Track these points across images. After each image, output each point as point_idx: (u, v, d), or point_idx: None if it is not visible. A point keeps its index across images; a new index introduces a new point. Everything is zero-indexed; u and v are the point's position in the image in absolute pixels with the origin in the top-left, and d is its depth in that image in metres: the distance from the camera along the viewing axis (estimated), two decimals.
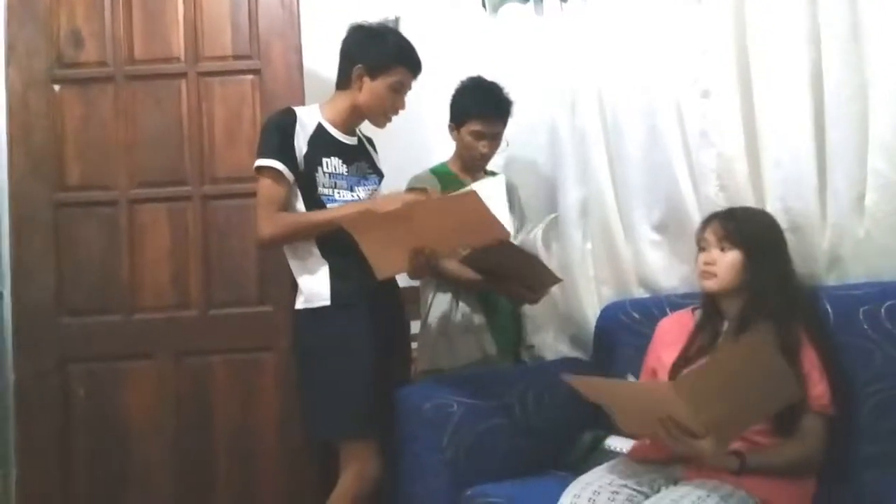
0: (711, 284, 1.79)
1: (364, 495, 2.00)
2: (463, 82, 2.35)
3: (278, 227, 1.99)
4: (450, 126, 2.34)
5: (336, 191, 2.05)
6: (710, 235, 1.81)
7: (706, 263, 1.80)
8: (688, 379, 1.52)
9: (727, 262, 1.77)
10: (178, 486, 2.39)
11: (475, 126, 2.27)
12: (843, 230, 1.95)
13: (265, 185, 1.99)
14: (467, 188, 2.03)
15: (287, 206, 2.00)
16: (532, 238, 2.39)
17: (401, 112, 2.13)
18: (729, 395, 1.50)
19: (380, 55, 2.05)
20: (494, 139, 2.31)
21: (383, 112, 2.09)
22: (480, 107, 2.28)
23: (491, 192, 1.94)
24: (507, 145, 2.37)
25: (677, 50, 2.21)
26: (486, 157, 2.33)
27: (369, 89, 2.05)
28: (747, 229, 1.79)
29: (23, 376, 2.41)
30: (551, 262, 2.35)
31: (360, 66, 2.04)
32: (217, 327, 2.43)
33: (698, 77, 2.15)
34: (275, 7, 2.50)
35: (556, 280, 2.11)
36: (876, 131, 1.88)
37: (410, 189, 2.05)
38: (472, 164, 2.33)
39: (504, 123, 2.32)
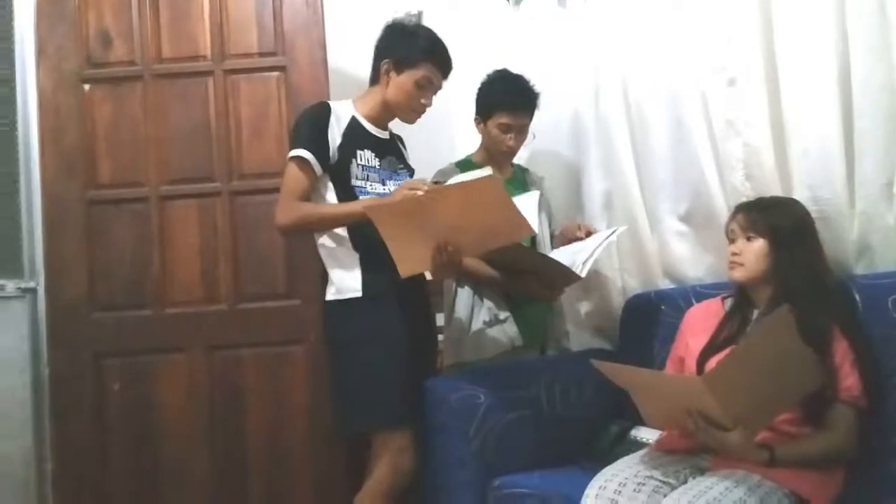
0: (738, 274, 1.80)
1: (399, 488, 1.99)
2: (489, 75, 2.35)
3: (294, 216, 2.01)
4: (476, 119, 2.35)
5: (369, 183, 2.07)
6: (736, 226, 1.83)
7: (733, 254, 1.81)
8: (717, 372, 1.51)
9: (753, 251, 1.78)
10: (212, 478, 2.42)
11: (502, 119, 2.27)
12: (871, 218, 1.93)
13: (291, 174, 2.02)
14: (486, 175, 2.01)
15: (311, 196, 2.03)
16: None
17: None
18: (755, 385, 1.50)
19: (407, 51, 2.07)
20: (521, 132, 2.31)
21: (410, 107, 2.10)
22: (507, 99, 2.28)
23: (524, 207, 1.93)
24: (534, 137, 2.36)
25: (702, 38, 2.19)
26: (514, 150, 2.33)
27: (395, 84, 2.08)
28: (772, 218, 1.79)
29: (58, 371, 2.45)
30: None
31: (387, 60, 2.07)
32: (246, 321, 2.46)
33: (724, 66, 2.14)
34: (299, 5, 2.52)
35: (576, 278, 2.10)
36: None
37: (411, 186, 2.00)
38: (499, 156, 2.32)
39: (531, 116, 2.31)
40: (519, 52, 2.57)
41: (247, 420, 2.44)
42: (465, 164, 2.35)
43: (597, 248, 2.07)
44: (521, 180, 2.41)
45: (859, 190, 1.95)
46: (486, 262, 2.17)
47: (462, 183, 1.95)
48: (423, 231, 1.84)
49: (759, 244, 1.77)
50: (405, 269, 1.90)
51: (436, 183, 2.18)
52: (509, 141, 2.28)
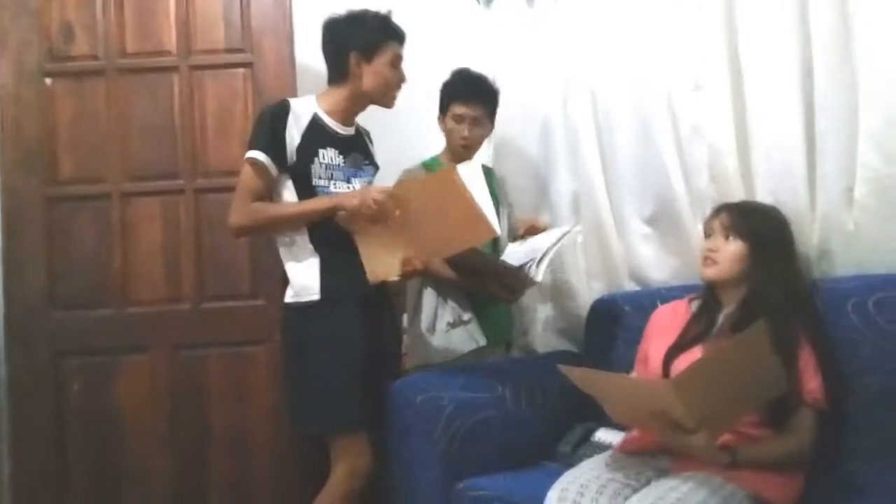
0: (711, 272, 1.81)
1: (356, 490, 2.00)
2: (449, 75, 2.37)
3: (247, 217, 2.00)
4: (438, 118, 2.36)
5: (332, 182, 2.05)
6: (717, 224, 1.83)
7: (709, 250, 1.82)
8: (684, 376, 1.51)
9: (729, 251, 1.78)
10: (173, 479, 2.39)
11: (456, 109, 2.29)
12: (832, 222, 1.96)
13: (245, 175, 2.01)
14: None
15: (267, 198, 2.02)
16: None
17: (396, 106, 2.13)
18: (721, 391, 1.50)
19: (368, 37, 2.05)
20: (476, 124, 2.30)
21: (390, 89, 2.09)
22: (461, 90, 2.31)
23: (467, 175, 1.90)
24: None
25: (668, 44, 2.21)
26: (469, 143, 2.31)
27: (370, 73, 2.06)
28: (755, 223, 1.80)
29: (15, 371, 2.41)
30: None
31: (353, 53, 2.04)
32: (210, 320, 2.43)
33: (690, 71, 2.16)
34: (267, 1, 2.50)
35: (531, 283, 2.12)
36: (865, 123, 1.88)
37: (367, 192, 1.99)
38: (458, 151, 2.32)
39: (485, 108, 2.31)
40: (488, 54, 2.58)
41: (210, 420, 2.42)
42: (432, 164, 2.35)
43: (550, 248, 2.07)
44: (486, 180, 2.40)
45: (820, 194, 1.98)
46: (448, 263, 2.16)
47: (419, 180, 1.95)
48: (390, 235, 1.84)
49: (737, 246, 1.78)
50: (374, 276, 1.91)
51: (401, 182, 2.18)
52: (464, 132, 2.29)
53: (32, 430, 2.39)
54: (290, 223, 2.02)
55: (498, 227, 1.92)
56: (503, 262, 2.17)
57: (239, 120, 2.47)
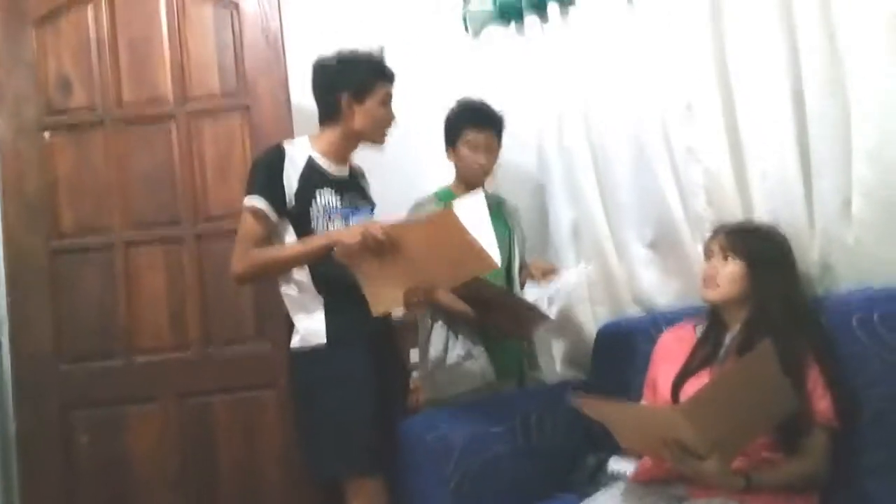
0: (711, 294, 1.81)
1: None
2: (452, 106, 2.37)
3: (249, 264, 2.00)
4: (447, 150, 2.35)
5: (331, 223, 2.05)
6: (716, 245, 1.83)
7: (708, 271, 1.82)
8: (694, 402, 1.51)
9: (728, 272, 1.78)
10: None
11: (469, 136, 2.28)
12: (831, 238, 1.96)
13: (245, 222, 2.01)
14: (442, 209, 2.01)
15: (265, 244, 2.02)
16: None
17: (389, 141, 2.15)
18: (732, 415, 1.50)
19: (360, 78, 2.07)
20: (490, 150, 2.31)
21: (381, 128, 2.11)
22: (472, 117, 2.30)
23: (470, 210, 1.91)
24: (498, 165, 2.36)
25: (659, 68, 2.22)
26: (485, 170, 2.32)
27: (362, 113, 2.07)
28: (752, 242, 1.80)
29: (24, 425, 2.41)
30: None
31: (345, 95, 2.06)
32: (216, 366, 2.44)
33: (681, 94, 2.17)
34: (260, 45, 2.52)
35: (545, 319, 2.11)
36: (859, 138, 1.88)
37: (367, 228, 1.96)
38: (473, 179, 2.30)
39: (497, 135, 2.32)
40: (480, 83, 2.59)
41: (219, 467, 2.42)
42: (444, 195, 2.33)
43: (568, 289, 2.09)
44: (498, 211, 2.41)
45: (818, 210, 1.98)
46: (459, 297, 2.16)
47: (418, 221, 1.95)
48: (391, 268, 1.84)
49: (736, 266, 1.78)
50: (377, 309, 1.90)
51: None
52: (480, 159, 2.28)
53: (43, 484, 2.38)
54: (291, 265, 2.02)
55: (498, 260, 1.91)
56: (516, 296, 2.15)
57: (237, 163, 2.49)
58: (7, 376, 2.51)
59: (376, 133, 2.11)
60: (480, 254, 1.81)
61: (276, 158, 2.03)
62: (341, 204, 2.09)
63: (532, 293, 2.19)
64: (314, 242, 1.98)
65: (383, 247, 1.83)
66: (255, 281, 2.18)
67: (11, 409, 2.46)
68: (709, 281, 1.81)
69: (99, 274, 2.45)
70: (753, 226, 1.91)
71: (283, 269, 2.04)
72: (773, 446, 1.65)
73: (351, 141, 2.12)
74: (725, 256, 1.80)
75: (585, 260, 2.38)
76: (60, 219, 2.47)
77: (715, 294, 1.80)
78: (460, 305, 2.16)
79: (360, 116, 2.07)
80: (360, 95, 2.06)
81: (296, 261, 2.01)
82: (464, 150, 2.29)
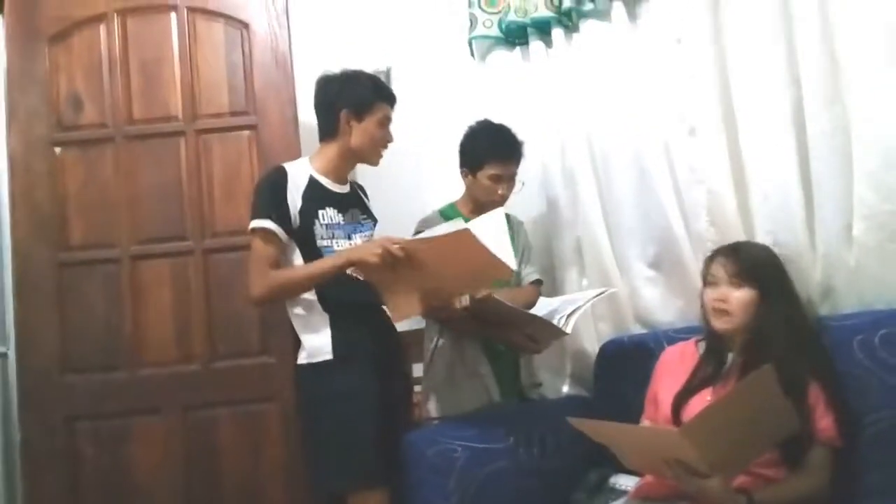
0: (724, 325, 1.78)
1: None
2: (472, 128, 2.34)
3: (269, 286, 2.01)
4: (463, 171, 2.32)
5: (334, 241, 2.07)
6: (719, 271, 1.80)
7: (718, 300, 1.78)
8: (696, 423, 1.52)
9: (740, 300, 1.76)
10: None
11: (493, 170, 2.25)
12: (833, 260, 1.98)
13: (256, 245, 2.02)
14: (461, 226, 2.03)
15: (280, 264, 2.03)
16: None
17: (396, 160, 2.18)
18: (732, 434, 1.51)
19: (360, 97, 2.10)
20: (511, 180, 2.30)
21: (376, 148, 2.13)
22: (496, 151, 2.26)
23: (488, 226, 1.93)
24: (523, 185, 2.34)
25: (662, 91, 2.26)
26: (505, 199, 2.30)
27: (359, 131, 2.10)
28: (760, 266, 1.79)
29: (29, 436, 2.41)
30: None
31: (344, 111, 2.09)
32: (221, 380, 2.44)
33: (684, 117, 2.21)
34: (269, 64, 2.55)
35: (561, 334, 2.10)
36: (860, 161, 1.92)
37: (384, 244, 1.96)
38: (490, 206, 2.24)
39: (518, 164, 2.31)
40: (486, 107, 2.62)
41: (223, 480, 2.41)
42: (449, 213, 2.34)
43: (584, 304, 2.09)
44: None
45: (819, 233, 2.01)
46: (473, 314, 2.13)
47: (435, 238, 1.97)
48: (408, 278, 1.88)
49: (747, 293, 1.76)
50: (397, 316, 1.96)
51: (418, 232, 2.21)
52: (501, 191, 2.27)
53: (47, 495, 2.38)
54: (310, 284, 2.02)
55: (514, 264, 1.94)
56: (531, 314, 2.14)
57: (245, 180, 2.50)
58: (12, 386, 2.53)
59: (372, 153, 2.14)
60: (496, 262, 1.82)
61: (279, 179, 2.05)
62: (343, 221, 2.11)
63: (544, 303, 2.20)
64: (333, 262, 1.98)
65: (400, 262, 1.86)
66: (274, 302, 2.15)
67: (16, 419, 2.47)
68: (720, 311, 1.77)
69: (106, 287, 2.46)
70: (753, 247, 1.90)
71: (302, 289, 2.04)
72: (775, 464, 1.66)
73: (348, 159, 2.15)
74: (737, 284, 1.77)
75: (587, 277, 2.41)
76: (69, 232, 2.48)
77: (730, 324, 1.77)
78: (469, 322, 2.16)
79: (357, 134, 2.10)
80: (359, 113, 2.09)
81: (315, 280, 2.01)
82: (485, 182, 2.27)
